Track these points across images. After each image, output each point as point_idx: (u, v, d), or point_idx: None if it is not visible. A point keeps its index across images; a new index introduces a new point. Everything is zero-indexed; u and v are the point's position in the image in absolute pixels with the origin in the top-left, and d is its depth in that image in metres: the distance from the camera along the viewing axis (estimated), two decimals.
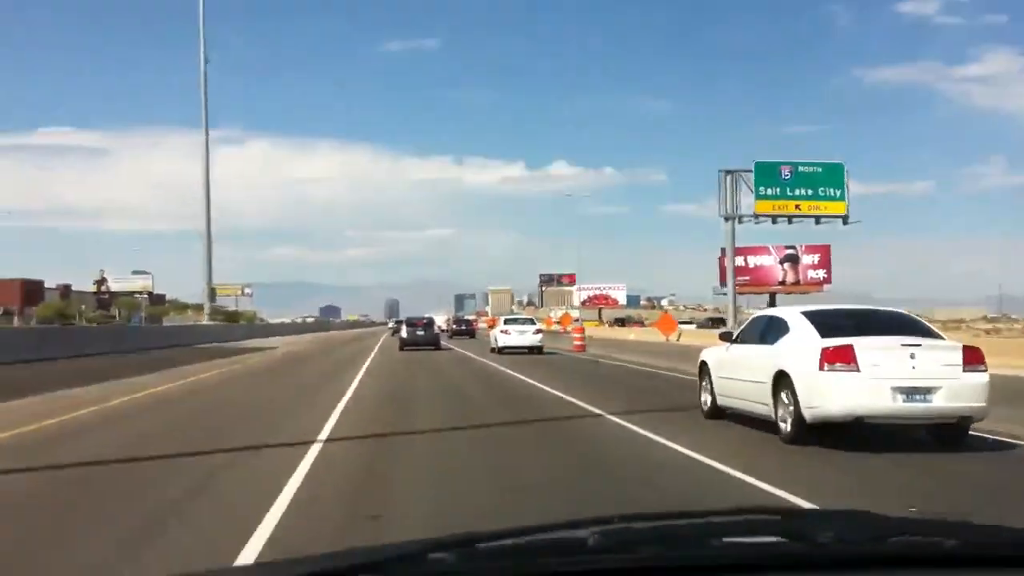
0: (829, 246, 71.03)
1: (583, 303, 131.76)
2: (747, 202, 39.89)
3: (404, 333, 35.75)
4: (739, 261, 71.05)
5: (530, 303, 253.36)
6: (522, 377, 19.90)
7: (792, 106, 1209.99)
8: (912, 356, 8.84)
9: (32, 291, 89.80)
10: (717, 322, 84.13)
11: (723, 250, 71.72)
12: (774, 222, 41.35)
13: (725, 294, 73.71)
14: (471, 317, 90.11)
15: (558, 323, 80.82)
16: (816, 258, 71.80)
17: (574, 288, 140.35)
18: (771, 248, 72.56)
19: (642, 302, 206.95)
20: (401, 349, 33.59)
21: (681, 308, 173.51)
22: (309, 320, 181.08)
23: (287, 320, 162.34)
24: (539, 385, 17.74)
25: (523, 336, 31.00)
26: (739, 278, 71.00)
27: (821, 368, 8.92)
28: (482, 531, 1.48)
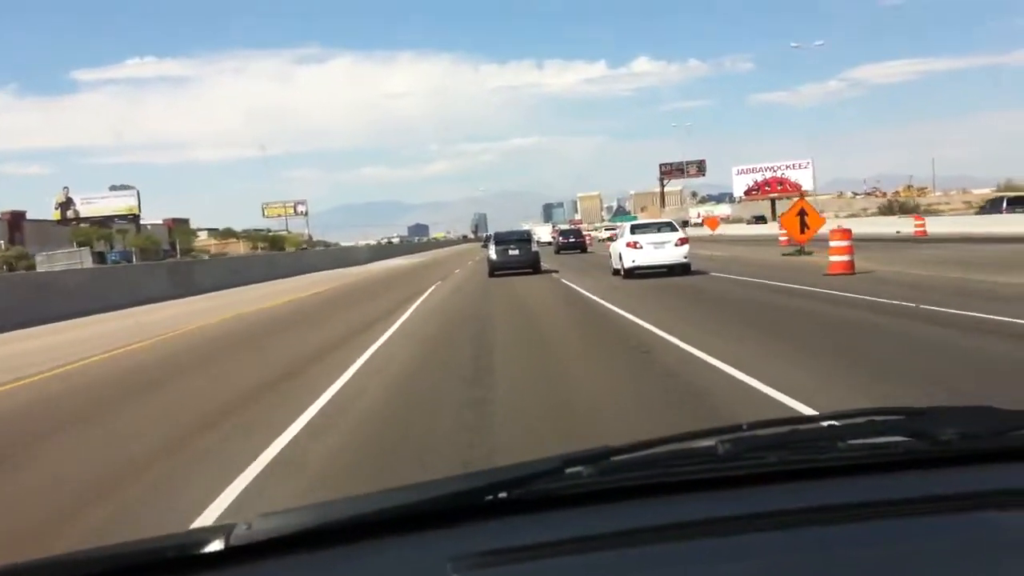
0: None
1: (747, 192, 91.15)
2: None
3: (493, 254, 28.75)
4: None
5: (620, 208, 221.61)
6: None
7: None
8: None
9: None
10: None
11: None
12: None
13: None
14: (565, 227, 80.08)
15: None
16: None
17: (735, 174, 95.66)
18: None
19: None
20: (491, 274, 27.54)
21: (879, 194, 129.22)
22: (395, 241, 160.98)
23: (372, 242, 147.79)
24: None
25: (661, 250, 22.18)
26: None
27: None
28: (614, 445, 1.53)
